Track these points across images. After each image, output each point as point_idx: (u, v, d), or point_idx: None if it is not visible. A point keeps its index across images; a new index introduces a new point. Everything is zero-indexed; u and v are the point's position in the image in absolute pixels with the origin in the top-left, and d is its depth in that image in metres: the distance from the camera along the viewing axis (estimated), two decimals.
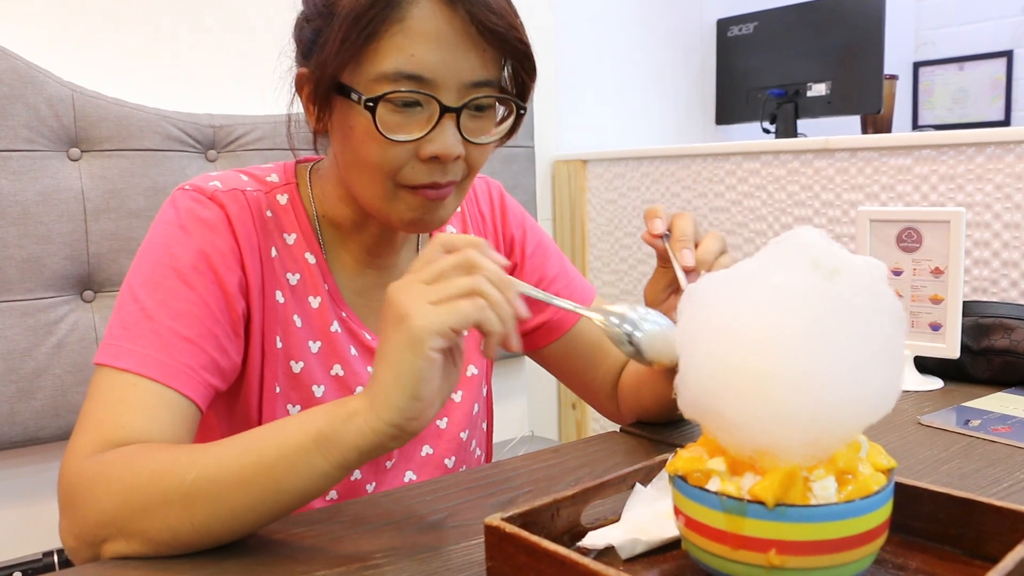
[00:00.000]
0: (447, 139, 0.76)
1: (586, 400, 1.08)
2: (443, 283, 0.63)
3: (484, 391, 1.04)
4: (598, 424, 2.43)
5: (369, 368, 0.89)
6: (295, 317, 0.86)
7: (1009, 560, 0.54)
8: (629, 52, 2.68)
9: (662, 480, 0.72)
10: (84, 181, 1.37)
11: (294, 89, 0.83)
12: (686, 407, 0.58)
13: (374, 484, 0.92)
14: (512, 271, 1.01)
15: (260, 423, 0.85)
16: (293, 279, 0.86)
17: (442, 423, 0.96)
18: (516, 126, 0.84)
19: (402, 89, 0.74)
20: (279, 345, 0.85)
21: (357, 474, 0.90)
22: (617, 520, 0.69)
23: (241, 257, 0.82)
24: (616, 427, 1.01)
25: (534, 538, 0.57)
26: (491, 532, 0.60)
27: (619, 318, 0.76)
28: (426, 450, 0.96)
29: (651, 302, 0.85)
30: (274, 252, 0.85)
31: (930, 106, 3.30)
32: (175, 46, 1.60)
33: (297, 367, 0.86)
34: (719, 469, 0.55)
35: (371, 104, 0.74)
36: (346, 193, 0.86)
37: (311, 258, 0.87)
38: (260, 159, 1.53)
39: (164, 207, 0.83)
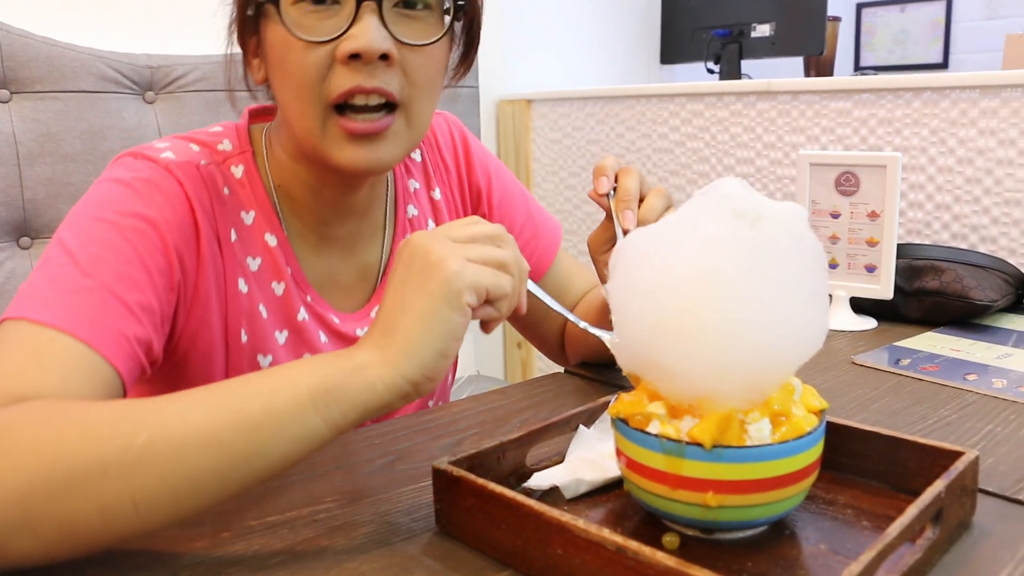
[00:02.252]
0: (369, 33, 0.69)
1: (535, 346, 1.09)
2: (478, 247, 0.60)
3: None
4: (544, 363, 2.46)
5: None
6: (260, 307, 0.79)
7: (928, 494, 0.57)
8: None
9: (604, 422, 0.74)
10: (16, 124, 1.32)
11: (236, 45, 0.78)
12: (624, 361, 0.59)
13: None
14: None
15: None
16: (254, 264, 0.79)
17: None
18: (471, 41, 0.79)
19: None
20: (244, 339, 0.79)
21: None
22: (561, 461, 0.71)
23: (199, 242, 0.74)
24: (561, 368, 1.03)
25: (481, 481, 0.59)
26: (439, 476, 0.61)
27: None
28: None
29: (594, 253, 0.85)
30: (234, 236, 0.77)
31: (871, 47, 3.34)
32: None
33: (265, 361, 0.80)
34: (659, 412, 0.57)
35: (277, 3, 0.69)
36: (296, 148, 0.79)
37: (271, 239, 0.80)
38: (201, 102, 1.49)
39: (109, 168, 0.75)
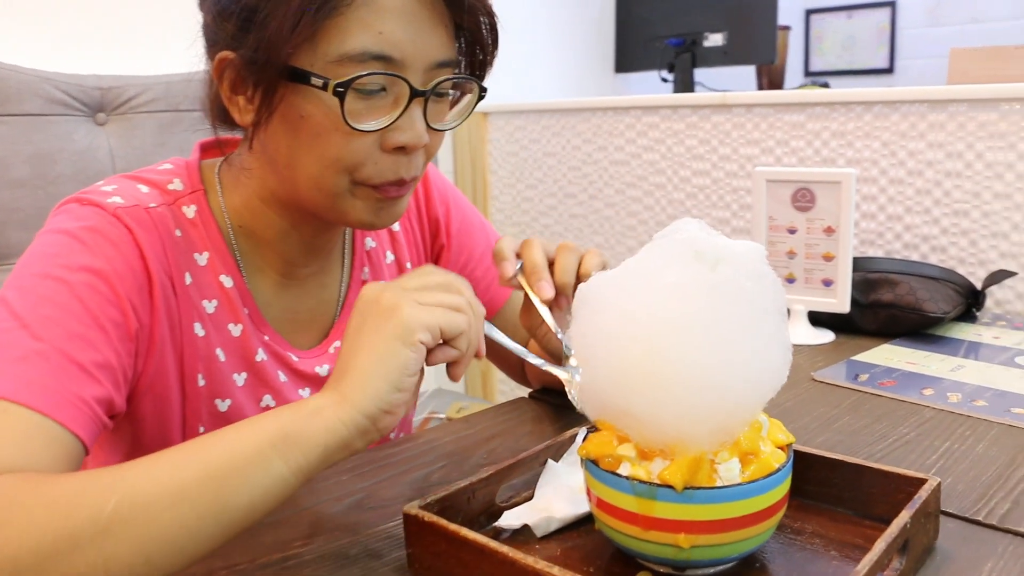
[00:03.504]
0: (416, 126, 0.70)
1: (497, 367, 1.09)
2: (429, 292, 0.62)
3: None
4: (504, 376, 2.46)
5: (302, 391, 0.83)
6: (217, 351, 0.77)
7: (894, 526, 0.58)
8: (528, 1, 2.65)
9: (572, 455, 0.74)
10: None
11: (211, 75, 0.73)
12: (592, 410, 0.59)
13: None
14: (439, 253, 0.98)
15: None
16: (210, 307, 0.76)
17: None
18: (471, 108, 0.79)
19: (373, 71, 0.67)
20: (201, 383, 0.76)
21: None
22: (531, 497, 0.71)
23: (151, 289, 0.71)
24: (524, 391, 1.03)
25: (453, 527, 0.58)
26: (411, 521, 0.61)
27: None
28: None
29: (529, 330, 0.84)
30: (188, 279, 0.75)
31: (821, 52, 3.39)
32: (53, 2, 1.50)
33: (224, 405, 0.78)
34: (629, 455, 0.57)
35: (341, 90, 0.66)
36: (272, 196, 0.77)
37: (227, 280, 0.77)
38: (154, 123, 1.46)
39: (53, 216, 0.72)
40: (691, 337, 0.54)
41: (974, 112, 1.37)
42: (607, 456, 0.58)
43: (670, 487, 0.55)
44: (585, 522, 0.67)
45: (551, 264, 0.79)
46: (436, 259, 0.97)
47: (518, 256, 0.80)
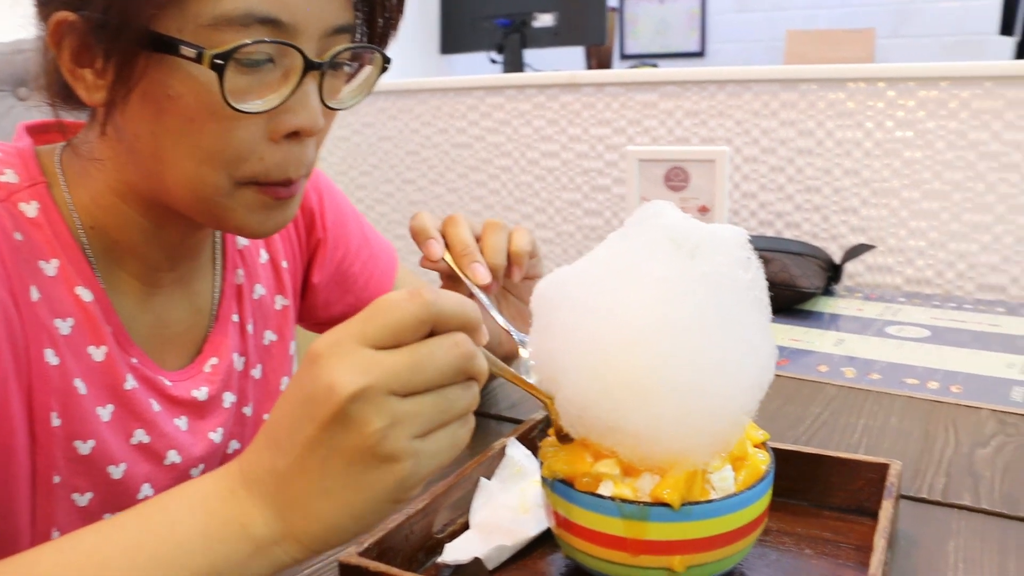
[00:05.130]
0: (312, 105, 0.58)
1: None
2: (437, 408, 0.43)
3: (293, 363, 0.86)
4: None
5: (177, 421, 0.68)
6: (76, 382, 0.61)
7: (883, 519, 0.55)
8: None
9: (504, 470, 0.66)
10: None
11: (47, 42, 0.57)
12: (572, 424, 0.51)
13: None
14: (315, 249, 0.86)
15: (33, 528, 0.61)
16: (64, 327, 0.61)
17: (247, 409, 0.77)
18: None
19: (260, 39, 0.54)
20: (56, 423, 0.61)
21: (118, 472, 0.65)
22: (465, 521, 0.62)
23: None
24: None
25: (408, 575, 0.49)
26: (349, 573, 0.51)
27: None
28: (233, 446, 0.78)
29: None
30: (35, 294, 0.60)
31: (635, 36, 3.47)
32: None
33: (86, 447, 0.62)
34: (612, 472, 0.50)
35: (220, 62, 0.53)
36: (131, 191, 0.63)
37: (85, 293, 0.62)
38: None
39: None
40: (686, 339, 0.48)
41: (824, 91, 1.40)
42: (583, 475, 0.51)
43: (665, 505, 0.48)
44: (535, 546, 0.60)
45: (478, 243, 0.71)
46: (312, 255, 0.85)
47: (441, 235, 0.71)
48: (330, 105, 0.60)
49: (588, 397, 0.48)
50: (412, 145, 2.02)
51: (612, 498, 0.49)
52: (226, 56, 0.53)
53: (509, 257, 0.72)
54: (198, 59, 0.53)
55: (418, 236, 0.71)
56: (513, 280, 0.75)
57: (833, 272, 1.30)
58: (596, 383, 0.48)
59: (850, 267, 1.41)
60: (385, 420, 0.41)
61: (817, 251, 1.28)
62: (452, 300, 0.44)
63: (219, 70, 0.53)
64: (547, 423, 0.74)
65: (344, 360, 0.42)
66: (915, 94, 1.35)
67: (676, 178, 1.20)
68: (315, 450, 0.43)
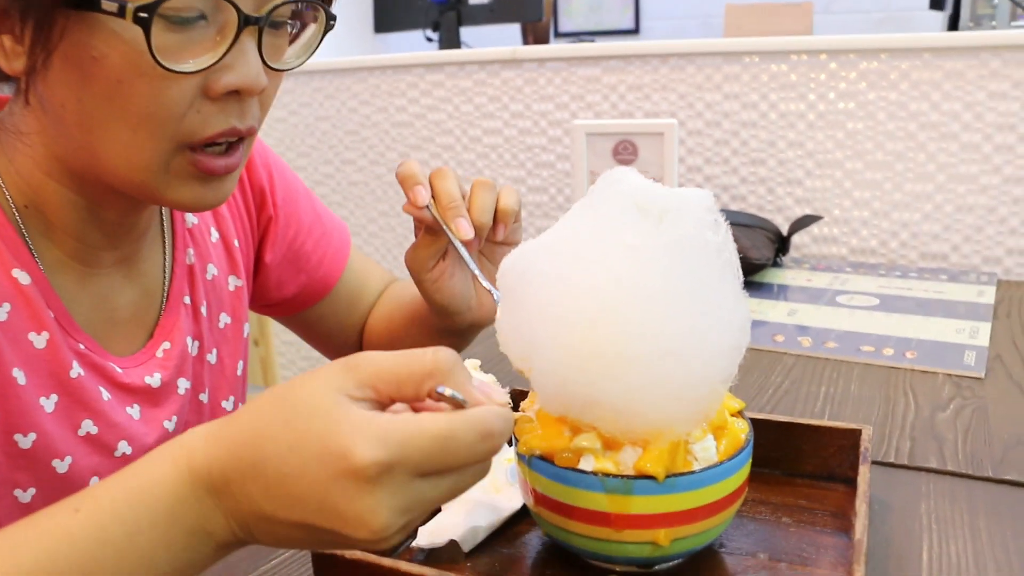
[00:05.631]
0: (251, 63, 0.54)
1: (326, 355, 0.95)
2: (444, 485, 0.40)
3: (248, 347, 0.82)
4: (284, 359, 2.28)
5: (130, 410, 0.64)
6: (15, 372, 0.57)
7: (863, 483, 0.54)
8: None
9: None
10: None
11: None
12: (549, 402, 0.49)
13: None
14: (266, 227, 0.81)
15: None
16: (1, 314, 0.57)
17: (204, 396, 0.73)
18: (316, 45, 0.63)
19: None
20: None
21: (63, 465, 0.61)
22: None
23: None
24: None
25: (388, 562, 0.46)
26: (323, 562, 0.48)
27: None
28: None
29: (417, 273, 0.72)
30: None
31: (569, 14, 3.45)
32: None
33: (26, 441, 0.58)
34: (593, 446, 0.48)
35: (144, 16, 0.48)
36: (61, 167, 0.58)
37: (22, 276, 0.58)
38: None
39: None
40: (659, 306, 0.46)
41: (766, 63, 1.41)
42: (562, 451, 0.49)
43: (650, 478, 0.47)
44: (510, 524, 0.58)
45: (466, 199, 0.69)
46: (264, 233, 0.81)
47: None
48: (273, 66, 0.57)
49: (564, 373, 0.46)
50: (351, 125, 1.97)
51: (594, 473, 0.47)
52: (151, 8, 0.48)
53: (496, 215, 0.70)
54: (120, 13, 0.48)
55: (405, 182, 0.68)
56: (497, 238, 0.72)
57: (781, 244, 1.31)
58: (571, 358, 0.46)
59: (796, 238, 1.42)
60: (384, 498, 0.38)
61: (765, 223, 1.29)
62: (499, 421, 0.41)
63: (144, 24, 0.49)
64: (514, 402, 0.72)
65: (364, 435, 0.38)
66: (856, 66, 1.36)
67: (624, 152, 1.19)
68: (304, 501, 0.39)
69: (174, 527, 0.41)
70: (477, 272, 0.65)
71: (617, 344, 0.45)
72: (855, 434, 0.62)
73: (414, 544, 0.55)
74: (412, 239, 0.73)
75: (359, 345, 0.93)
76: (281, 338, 2.25)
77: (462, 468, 0.40)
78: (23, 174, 0.58)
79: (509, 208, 0.71)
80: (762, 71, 1.41)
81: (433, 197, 0.69)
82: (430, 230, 0.71)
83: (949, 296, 1.14)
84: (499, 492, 0.60)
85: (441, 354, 0.41)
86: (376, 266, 0.94)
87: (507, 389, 0.46)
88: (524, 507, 0.57)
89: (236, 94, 0.55)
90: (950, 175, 1.33)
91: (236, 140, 0.57)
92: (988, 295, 1.14)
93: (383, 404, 0.41)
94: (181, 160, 0.56)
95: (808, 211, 1.42)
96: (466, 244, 0.67)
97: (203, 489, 0.41)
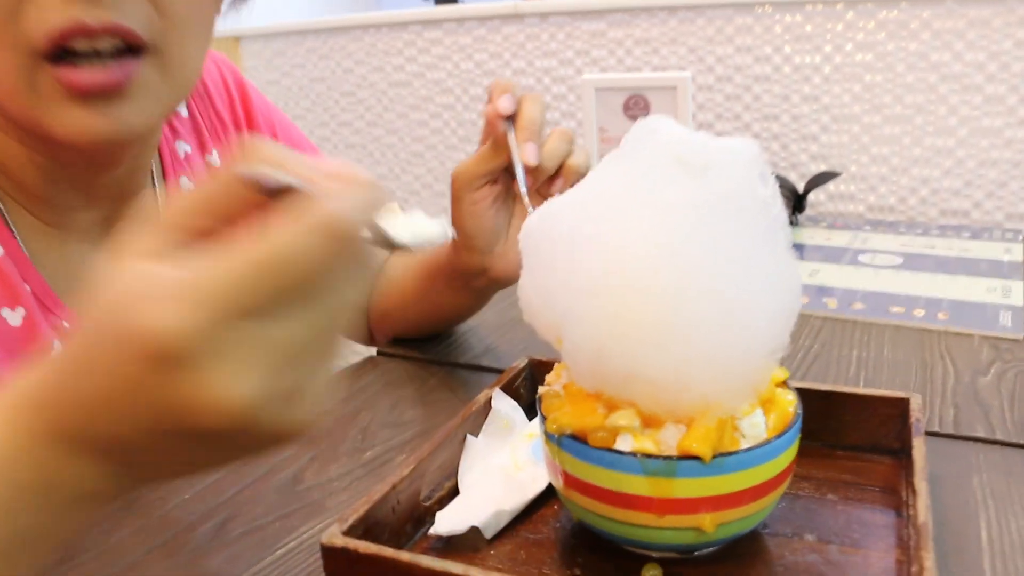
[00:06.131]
0: None
1: None
2: (302, 316, 0.29)
3: None
4: None
5: None
6: None
7: (919, 458, 0.50)
8: None
9: (491, 425, 0.60)
10: None
11: None
12: (583, 376, 0.45)
13: None
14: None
15: None
16: None
17: None
18: None
19: None
20: None
21: None
22: (454, 487, 0.56)
23: None
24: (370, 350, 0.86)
25: (406, 556, 0.42)
26: (335, 556, 0.44)
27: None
28: None
29: (461, 187, 0.67)
30: None
31: None
32: None
33: None
34: (631, 425, 0.44)
35: None
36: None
37: None
38: None
39: None
40: (710, 269, 0.41)
41: (780, 14, 1.35)
42: (597, 429, 0.44)
43: (696, 459, 0.42)
44: (534, 507, 0.54)
45: None
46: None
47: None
48: None
49: (601, 345, 0.42)
50: (347, 86, 1.90)
51: (633, 454, 0.43)
52: None
53: (561, 168, 0.66)
54: None
55: (496, 89, 0.64)
56: (552, 190, 0.67)
57: (797, 202, 1.26)
58: (609, 328, 0.42)
59: (811, 196, 1.37)
60: (245, 386, 0.28)
61: (782, 180, 1.24)
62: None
63: None
64: (531, 372, 0.68)
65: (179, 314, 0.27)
66: (875, 15, 1.30)
67: (635, 107, 1.14)
68: (159, 424, 0.29)
69: (8, 488, 0.31)
70: (525, 197, 0.62)
71: (660, 312, 0.40)
72: (902, 403, 0.57)
73: (432, 531, 0.50)
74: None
75: (367, 325, 0.88)
76: None
77: (316, 286, 0.29)
78: None
79: (578, 167, 0.66)
80: (775, 22, 1.35)
81: (515, 115, 0.65)
82: (494, 146, 0.65)
83: (975, 254, 1.09)
84: (521, 470, 0.56)
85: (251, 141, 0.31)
86: None
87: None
88: (549, 486, 0.53)
89: None
90: (972, 129, 1.28)
91: (122, 51, 0.49)
92: (1016, 252, 1.09)
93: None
94: (45, 76, 0.48)
95: (824, 168, 1.37)
96: (525, 168, 0.63)
97: (42, 436, 0.31)
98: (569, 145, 0.66)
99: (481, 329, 0.87)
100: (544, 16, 1.57)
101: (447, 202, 0.68)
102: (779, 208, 0.47)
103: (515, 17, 1.61)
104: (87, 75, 0.48)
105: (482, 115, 0.65)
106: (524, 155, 0.62)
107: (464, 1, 2.32)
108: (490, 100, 0.64)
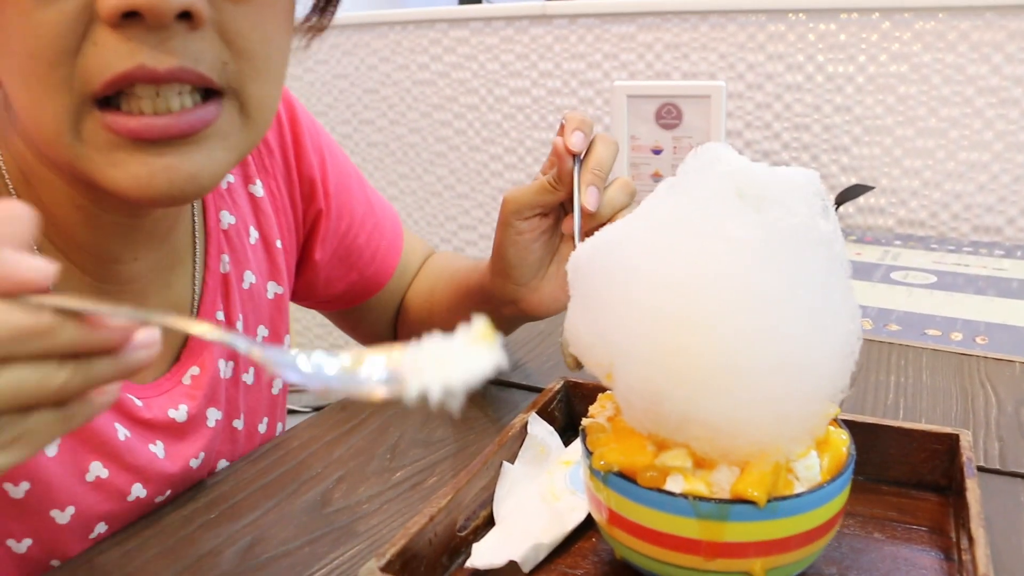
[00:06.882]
0: None
1: (359, 340, 0.89)
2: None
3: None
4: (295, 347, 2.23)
5: (153, 447, 0.56)
6: None
7: (973, 500, 0.49)
8: None
9: (527, 451, 0.59)
10: None
11: None
12: (637, 419, 0.43)
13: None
14: (315, 221, 0.74)
15: None
16: None
17: (238, 423, 0.65)
18: None
19: None
20: None
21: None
22: (490, 516, 0.54)
23: None
24: None
25: None
26: None
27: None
28: (221, 464, 0.65)
29: (510, 214, 0.63)
30: None
31: None
32: None
33: (18, 491, 0.50)
34: (684, 465, 0.42)
35: None
36: (37, 151, 0.49)
37: None
38: None
39: None
40: (775, 310, 0.40)
41: (814, 22, 1.32)
42: (646, 468, 0.43)
43: (749, 503, 0.41)
44: (572, 539, 0.52)
45: None
46: (313, 229, 0.74)
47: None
48: None
49: (657, 386, 0.40)
50: (370, 83, 1.89)
51: (684, 495, 0.42)
52: None
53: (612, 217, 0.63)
54: None
55: (571, 121, 0.61)
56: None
57: None
58: (666, 369, 0.40)
59: (840, 209, 1.35)
60: None
61: None
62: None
63: None
64: (567, 394, 0.66)
65: None
66: (911, 26, 1.28)
67: (668, 116, 1.12)
68: None
69: None
70: (578, 238, 0.61)
71: (722, 354, 0.39)
72: (951, 439, 0.56)
73: (468, 564, 0.49)
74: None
75: (394, 325, 0.87)
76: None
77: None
78: (20, 164, 0.51)
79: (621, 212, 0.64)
80: (809, 30, 1.33)
81: (586, 154, 0.63)
82: (557, 180, 0.63)
83: (1010, 273, 1.07)
84: (558, 500, 0.54)
85: None
86: (419, 242, 0.87)
87: None
88: (588, 517, 0.52)
89: (139, 18, 0.41)
90: (1008, 143, 1.25)
91: (188, 92, 0.45)
92: None
93: None
94: (91, 122, 0.43)
95: (855, 180, 1.35)
96: (583, 213, 0.61)
97: None
98: (629, 199, 0.64)
99: (510, 344, 0.86)
100: (572, 18, 1.55)
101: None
102: (841, 243, 0.45)
103: (543, 18, 1.59)
104: (143, 122, 0.44)
105: (553, 142, 0.62)
106: (585, 199, 0.60)
107: (489, 1, 2.30)
108: (561, 130, 0.62)
